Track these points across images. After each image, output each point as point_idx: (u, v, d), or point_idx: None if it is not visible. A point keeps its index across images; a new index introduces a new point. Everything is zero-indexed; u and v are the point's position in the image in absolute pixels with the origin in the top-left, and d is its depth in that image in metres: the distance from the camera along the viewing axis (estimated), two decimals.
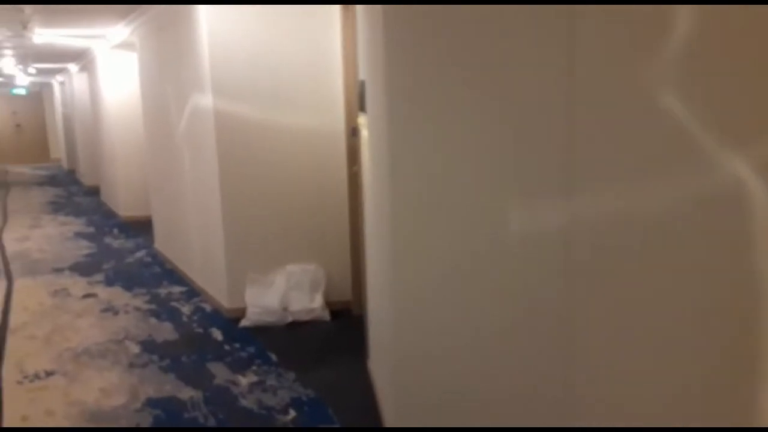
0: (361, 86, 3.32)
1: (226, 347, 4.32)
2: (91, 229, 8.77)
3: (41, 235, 8.37)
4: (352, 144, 4.67)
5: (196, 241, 5.57)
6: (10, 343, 4.48)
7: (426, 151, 2.26)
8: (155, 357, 4.16)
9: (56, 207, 10.94)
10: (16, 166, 19.20)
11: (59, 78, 16.17)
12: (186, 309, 5.16)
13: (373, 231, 3.31)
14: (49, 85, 19.12)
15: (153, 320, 4.91)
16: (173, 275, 6.17)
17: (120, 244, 7.73)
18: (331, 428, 3.29)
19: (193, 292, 5.58)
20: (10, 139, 21.33)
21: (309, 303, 4.82)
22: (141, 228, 8.36)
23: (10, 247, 7.66)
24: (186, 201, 5.73)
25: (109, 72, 9.17)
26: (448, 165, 2.12)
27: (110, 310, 5.17)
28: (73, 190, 13.27)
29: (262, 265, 4.90)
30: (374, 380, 3.58)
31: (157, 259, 6.85)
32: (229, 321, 4.81)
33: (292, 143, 4.80)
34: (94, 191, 12.22)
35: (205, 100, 4.81)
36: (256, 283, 4.88)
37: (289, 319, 4.74)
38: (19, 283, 6.02)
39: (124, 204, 9.36)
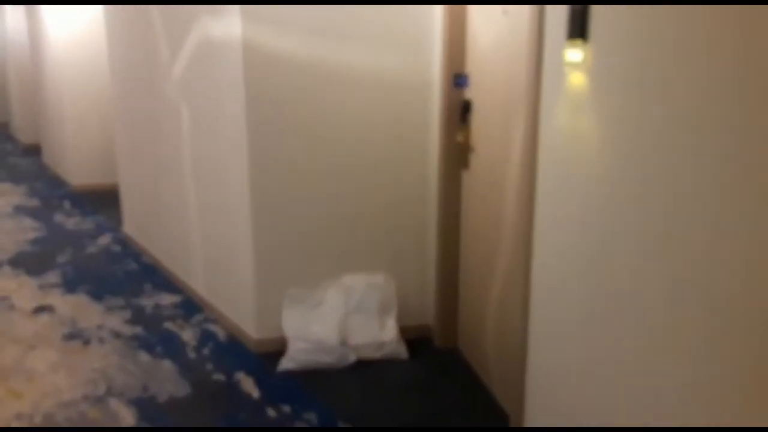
0: None
1: (270, 413, 2.77)
2: (35, 202, 6.92)
3: None
4: (455, 98, 3.12)
5: (196, 232, 3.95)
6: None
7: None
8: None
9: None
10: None
11: None
12: (188, 335, 3.56)
13: (573, 245, 1.81)
14: None
15: (144, 356, 3.31)
16: (156, 275, 4.52)
17: (75, 225, 5.96)
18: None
19: (191, 305, 3.97)
20: None
21: (379, 333, 3.30)
22: (101, 201, 6.63)
23: None
24: (180, 173, 4.07)
25: None
26: None
27: (77, 336, 3.53)
28: (8, 149, 11.17)
29: (308, 276, 3.35)
30: None
31: (130, 248, 5.16)
32: (260, 358, 3.26)
33: (358, 95, 3.22)
34: (35, 150, 10.22)
35: (227, 27, 3.15)
36: (299, 303, 3.32)
37: (352, 358, 3.22)
38: None
39: (76, 169, 7.52)
